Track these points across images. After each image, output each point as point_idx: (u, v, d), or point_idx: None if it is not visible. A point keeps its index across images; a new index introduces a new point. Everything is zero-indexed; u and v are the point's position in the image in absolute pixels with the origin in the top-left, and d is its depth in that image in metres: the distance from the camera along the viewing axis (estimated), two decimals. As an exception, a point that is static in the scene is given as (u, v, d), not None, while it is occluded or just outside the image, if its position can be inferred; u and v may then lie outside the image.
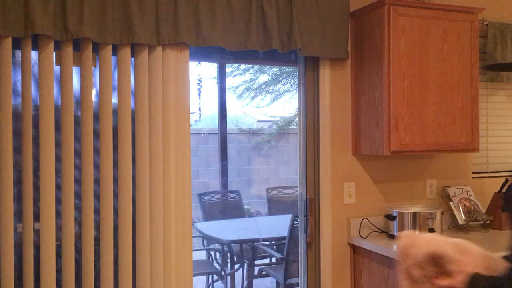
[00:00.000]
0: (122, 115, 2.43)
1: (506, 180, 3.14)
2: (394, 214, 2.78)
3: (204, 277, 4.82)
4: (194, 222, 4.88)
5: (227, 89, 6.53)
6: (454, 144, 2.82)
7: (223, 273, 4.51)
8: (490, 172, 3.40)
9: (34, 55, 2.31)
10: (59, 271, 2.37)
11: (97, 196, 2.43)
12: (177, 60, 2.53)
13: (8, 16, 2.19)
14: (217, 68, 5.95)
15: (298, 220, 2.99)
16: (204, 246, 5.12)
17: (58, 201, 2.35)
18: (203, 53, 2.78)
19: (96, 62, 2.43)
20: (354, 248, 2.91)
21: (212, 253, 4.92)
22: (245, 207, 5.86)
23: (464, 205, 3.02)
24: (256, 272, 4.49)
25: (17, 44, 2.29)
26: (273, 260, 4.93)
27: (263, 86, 9.25)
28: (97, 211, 2.43)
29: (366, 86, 2.84)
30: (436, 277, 1.32)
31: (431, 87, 2.76)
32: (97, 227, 2.43)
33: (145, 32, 2.40)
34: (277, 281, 4.29)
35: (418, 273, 1.34)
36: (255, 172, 8.30)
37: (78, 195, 2.40)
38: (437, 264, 1.32)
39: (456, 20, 2.81)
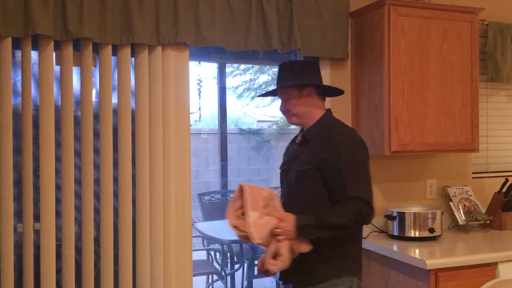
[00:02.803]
0: (122, 115, 2.43)
1: (506, 180, 3.14)
2: (394, 214, 2.78)
3: (204, 277, 4.82)
4: (194, 222, 4.87)
5: (227, 89, 6.52)
6: (454, 144, 2.82)
7: (223, 273, 4.51)
8: (490, 172, 3.39)
9: (34, 55, 2.31)
10: (59, 271, 2.37)
11: (97, 196, 2.43)
12: (177, 60, 2.52)
13: (8, 16, 2.19)
14: (217, 68, 5.94)
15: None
16: (204, 246, 5.11)
17: (58, 201, 2.35)
18: (203, 53, 2.78)
19: (96, 62, 2.43)
20: (354, 248, 2.91)
21: (212, 253, 4.92)
22: (245, 207, 5.85)
23: (464, 205, 3.02)
24: (256, 272, 4.49)
25: (17, 44, 2.29)
26: (273, 260, 4.93)
27: (263, 86, 9.25)
28: (97, 211, 2.43)
29: (366, 86, 2.84)
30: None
31: (431, 87, 2.76)
32: (97, 227, 2.43)
33: (145, 32, 2.40)
34: (277, 281, 4.28)
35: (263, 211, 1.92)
36: (255, 172, 8.30)
37: (78, 195, 2.40)
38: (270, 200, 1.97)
39: (456, 20, 2.81)
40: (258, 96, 2.48)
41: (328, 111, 2.23)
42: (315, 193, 2.08)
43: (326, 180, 2.05)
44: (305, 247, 1.96)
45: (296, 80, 2.14)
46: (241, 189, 1.96)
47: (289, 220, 1.95)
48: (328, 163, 2.04)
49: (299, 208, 2.08)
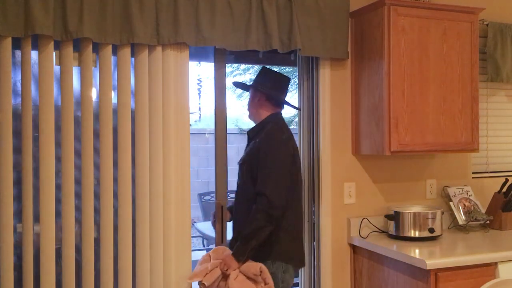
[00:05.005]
0: (122, 115, 2.43)
1: (506, 180, 3.14)
2: (394, 214, 2.78)
3: (204, 277, 4.80)
4: (194, 222, 4.87)
5: (227, 89, 6.52)
6: (454, 144, 2.82)
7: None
8: (490, 172, 3.40)
9: (34, 55, 2.31)
10: (59, 271, 2.37)
11: (97, 196, 2.43)
12: (177, 60, 2.52)
13: (8, 16, 2.19)
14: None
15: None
16: (204, 246, 5.12)
17: (58, 201, 2.35)
18: (203, 53, 2.78)
19: (96, 62, 2.43)
20: (354, 248, 2.91)
21: (212, 253, 4.91)
22: (245, 207, 5.85)
23: (464, 205, 3.02)
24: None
25: (17, 44, 2.29)
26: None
27: (263, 86, 9.22)
28: (97, 211, 2.43)
29: (366, 86, 2.84)
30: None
31: (431, 87, 2.76)
32: (97, 227, 2.43)
33: (145, 32, 2.40)
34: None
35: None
36: (255, 172, 8.27)
37: (78, 195, 2.40)
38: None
39: (456, 20, 2.81)
40: (234, 83, 2.62)
41: (274, 114, 2.45)
42: (247, 187, 2.36)
43: (253, 174, 2.32)
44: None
45: (251, 84, 2.49)
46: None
47: (228, 256, 2.28)
48: (255, 158, 2.31)
49: (237, 203, 2.46)
